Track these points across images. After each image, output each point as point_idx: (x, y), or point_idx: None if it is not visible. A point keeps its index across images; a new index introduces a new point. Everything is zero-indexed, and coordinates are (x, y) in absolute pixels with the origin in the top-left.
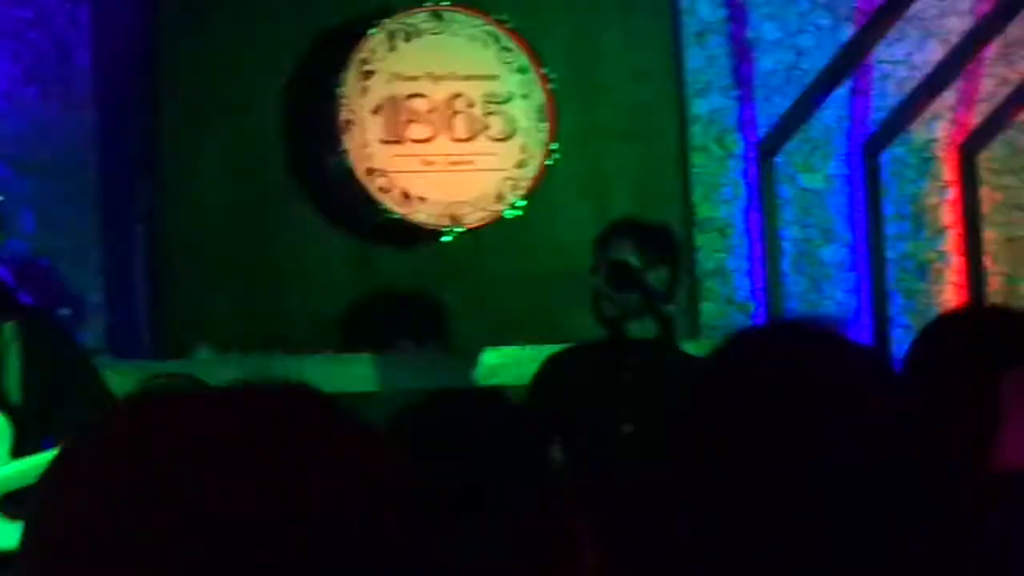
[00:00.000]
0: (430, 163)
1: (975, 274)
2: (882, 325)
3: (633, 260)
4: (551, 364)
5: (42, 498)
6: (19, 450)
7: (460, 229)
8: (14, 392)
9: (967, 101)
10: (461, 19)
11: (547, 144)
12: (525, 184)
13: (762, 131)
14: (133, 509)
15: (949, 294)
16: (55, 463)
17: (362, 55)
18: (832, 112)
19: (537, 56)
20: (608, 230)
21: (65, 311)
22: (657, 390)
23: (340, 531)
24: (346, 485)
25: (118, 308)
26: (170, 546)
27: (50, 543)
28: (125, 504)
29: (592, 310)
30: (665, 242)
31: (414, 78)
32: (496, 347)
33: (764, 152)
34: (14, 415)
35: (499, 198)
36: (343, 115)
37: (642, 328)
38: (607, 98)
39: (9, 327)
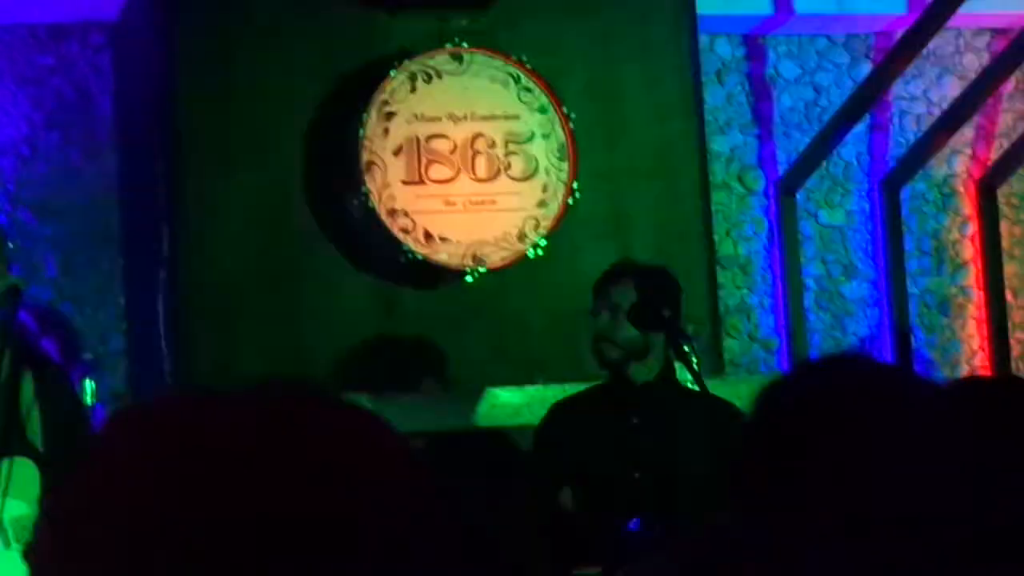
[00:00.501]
0: (452, 203)
1: (996, 309)
2: (904, 360)
3: (633, 302)
4: (556, 413)
5: (57, 510)
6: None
7: (483, 269)
8: (39, 441)
9: (985, 136)
10: (481, 60)
11: (568, 183)
12: (547, 223)
13: (782, 168)
14: (149, 516)
15: (971, 329)
16: (69, 478)
17: (383, 97)
18: (851, 149)
19: (557, 96)
20: (608, 273)
21: (87, 356)
22: (665, 432)
23: (353, 536)
24: (363, 488)
25: (140, 352)
26: (189, 552)
27: (64, 558)
28: (140, 511)
29: (593, 354)
30: (665, 283)
31: (435, 119)
32: (519, 387)
33: (784, 189)
34: (40, 462)
35: (521, 237)
36: (365, 157)
37: (643, 370)
38: (627, 137)
39: (30, 380)
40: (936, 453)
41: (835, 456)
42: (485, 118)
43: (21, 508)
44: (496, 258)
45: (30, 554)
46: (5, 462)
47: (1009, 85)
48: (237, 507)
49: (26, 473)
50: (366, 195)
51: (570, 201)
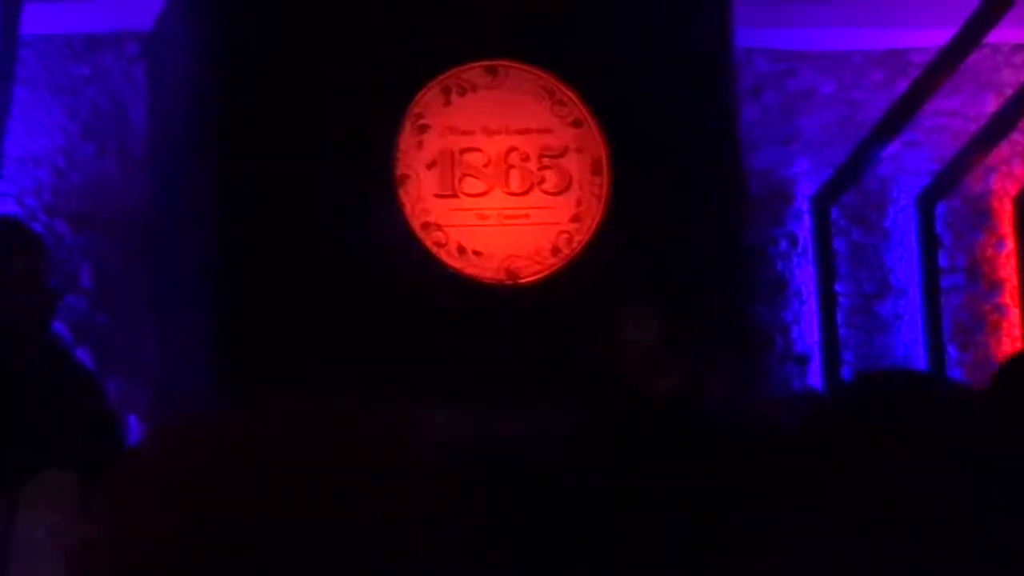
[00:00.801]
0: (485, 217)
1: None
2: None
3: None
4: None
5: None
6: None
7: (516, 283)
8: (73, 449)
9: (1022, 153)
10: (515, 73)
11: (602, 198)
12: (580, 238)
13: (817, 184)
14: (182, 519)
15: (1006, 347)
16: (107, 489)
17: (417, 110)
18: (887, 165)
19: (592, 110)
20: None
21: (120, 365)
22: (684, 447)
23: (358, 540)
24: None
25: (174, 363)
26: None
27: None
28: (174, 516)
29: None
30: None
31: (469, 132)
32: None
33: (819, 205)
34: (74, 471)
35: (555, 252)
36: (399, 170)
37: (663, 384)
38: (662, 151)
39: (65, 390)
40: (949, 462)
41: (847, 459)
42: (519, 131)
43: (56, 516)
44: (529, 272)
45: (73, 556)
46: (41, 470)
47: None
48: (251, 510)
49: (60, 481)
50: (399, 208)
51: (603, 216)
